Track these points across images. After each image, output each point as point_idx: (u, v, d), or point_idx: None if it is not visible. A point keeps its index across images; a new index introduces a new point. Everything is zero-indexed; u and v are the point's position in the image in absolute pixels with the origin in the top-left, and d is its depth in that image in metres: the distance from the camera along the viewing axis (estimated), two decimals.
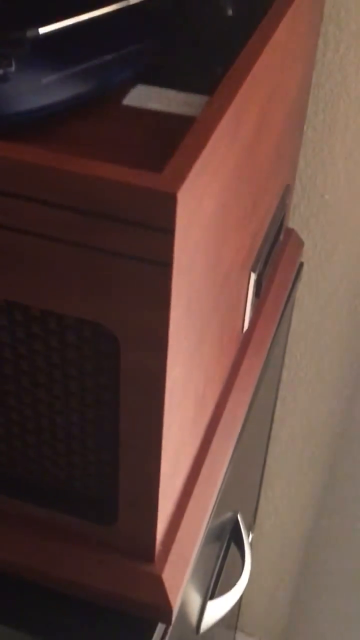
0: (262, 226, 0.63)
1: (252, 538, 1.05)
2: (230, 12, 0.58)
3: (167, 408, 0.44)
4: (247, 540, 0.79)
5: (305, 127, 0.83)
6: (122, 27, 0.53)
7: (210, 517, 0.58)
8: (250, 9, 0.55)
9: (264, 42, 0.49)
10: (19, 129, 0.44)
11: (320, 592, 1.32)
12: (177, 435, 0.49)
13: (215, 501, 0.60)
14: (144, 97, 0.49)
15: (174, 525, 0.53)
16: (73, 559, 0.52)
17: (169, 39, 0.54)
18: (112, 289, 0.40)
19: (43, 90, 0.48)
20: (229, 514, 0.75)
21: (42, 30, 0.49)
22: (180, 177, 0.36)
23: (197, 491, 0.56)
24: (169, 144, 0.44)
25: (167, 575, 0.51)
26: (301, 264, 0.88)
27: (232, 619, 1.18)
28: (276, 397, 1.04)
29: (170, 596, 0.51)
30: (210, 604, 0.70)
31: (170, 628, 0.53)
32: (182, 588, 0.53)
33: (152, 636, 0.52)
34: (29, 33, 0.49)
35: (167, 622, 0.52)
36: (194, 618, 0.67)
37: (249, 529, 0.97)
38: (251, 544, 0.85)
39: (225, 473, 0.62)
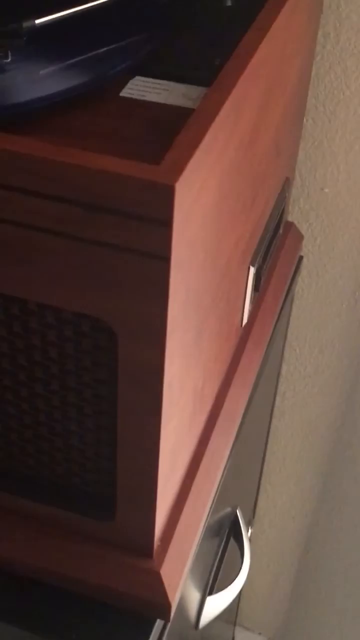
0: (261, 219, 0.63)
1: (251, 533, 1.05)
2: (229, 3, 0.57)
3: (166, 403, 0.44)
4: (246, 536, 0.79)
5: (304, 120, 0.82)
6: (119, 19, 0.53)
7: (209, 513, 0.58)
8: None
9: (262, 34, 0.49)
10: (16, 120, 0.44)
11: (319, 587, 1.32)
12: (176, 430, 0.49)
13: (214, 496, 0.59)
14: (142, 88, 0.48)
15: (172, 521, 0.53)
16: (71, 555, 0.52)
17: (167, 30, 0.53)
18: (110, 283, 0.39)
19: (40, 81, 0.47)
20: (228, 509, 0.75)
21: (39, 21, 0.49)
22: (178, 169, 0.36)
23: (195, 486, 0.56)
24: (167, 136, 0.43)
25: (166, 572, 0.51)
26: (300, 258, 0.87)
27: (231, 613, 1.18)
28: (275, 392, 1.04)
29: (169, 592, 0.51)
30: (210, 600, 0.70)
31: (169, 624, 0.53)
32: (180, 584, 0.52)
33: (150, 632, 0.52)
34: (25, 24, 0.48)
35: (166, 618, 0.52)
36: (193, 613, 0.67)
37: (248, 524, 0.97)
38: (250, 539, 0.85)
39: (224, 468, 0.62)
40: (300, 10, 0.60)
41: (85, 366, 0.45)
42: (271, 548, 1.31)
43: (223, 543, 0.76)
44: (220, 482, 0.61)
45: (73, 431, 0.49)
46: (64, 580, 0.52)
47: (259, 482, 1.14)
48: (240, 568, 0.76)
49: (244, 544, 0.78)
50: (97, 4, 0.51)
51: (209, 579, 0.72)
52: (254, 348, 0.69)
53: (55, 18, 0.50)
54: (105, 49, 0.50)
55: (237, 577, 0.75)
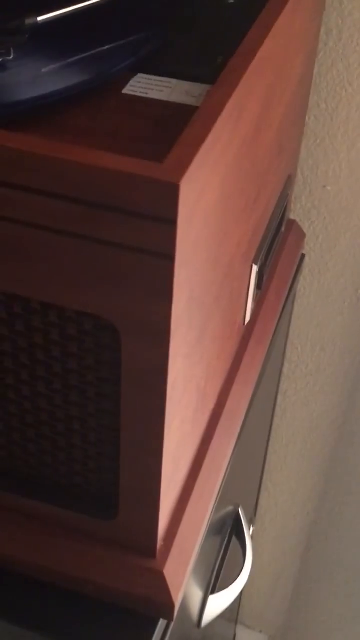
0: (264, 217, 0.63)
1: (252, 532, 1.05)
2: (231, 0, 0.57)
3: (169, 402, 0.44)
4: (248, 534, 0.78)
5: (307, 117, 0.82)
6: (122, 16, 0.53)
7: (212, 512, 0.58)
8: None
9: (266, 31, 0.49)
10: (18, 118, 0.44)
11: (320, 585, 1.32)
12: (179, 429, 0.49)
13: (217, 495, 0.59)
14: (145, 86, 0.48)
15: (175, 520, 0.53)
16: (74, 554, 0.52)
17: (169, 27, 0.53)
18: (114, 281, 0.39)
19: (42, 79, 0.47)
20: (230, 508, 0.75)
21: (41, 18, 0.49)
22: (182, 167, 0.36)
23: (198, 485, 0.56)
24: (170, 134, 0.43)
25: (169, 571, 0.51)
26: (303, 256, 0.87)
27: (232, 612, 1.18)
28: (277, 390, 1.04)
29: (172, 592, 0.51)
30: (212, 598, 0.70)
31: (172, 624, 0.53)
32: (184, 584, 0.52)
33: (153, 632, 0.52)
34: (28, 21, 0.48)
35: (169, 618, 0.52)
36: (195, 612, 0.67)
37: (250, 522, 0.97)
38: (252, 538, 0.84)
39: (227, 467, 0.61)
40: (303, 7, 0.60)
41: (88, 365, 0.45)
42: (272, 546, 1.31)
43: (225, 542, 0.76)
44: (223, 480, 0.60)
45: (76, 430, 0.49)
46: (66, 579, 0.52)
47: (260, 480, 1.14)
48: (243, 567, 0.76)
49: (246, 542, 0.78)
50: (99, 2, 0.51)
51: (211, 578, 0.72)
52: (256, 346, 0.69)
53: (58, 15, 0.49)
54: (107, 46, 0.50)
55: (239, 575, 0.75)
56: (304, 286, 0.96)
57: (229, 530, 0.77)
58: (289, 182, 0.74)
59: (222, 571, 0.74)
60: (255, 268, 0.61)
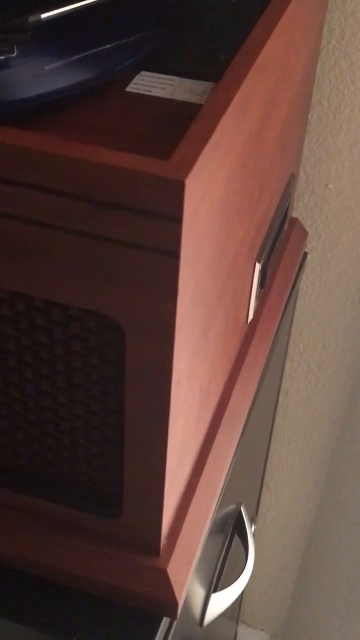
0: (267, 216, 0.63)
1: (254, 530, 1.05)
2: None
3: (173, 400, 0.44)
4: (250, 533, 0.78)
5: (309, 115, 0.82)
6: (125, 14, 0.52)
7: (215, 510, 0.58)
8: None
9: (269, 29, 0.48)
10: (21, 116, 0.44)
11: (321, 584, 1.32)
12: (183, 427, 0.49)
13: (220, 494, 0.59)
14: (148, 83, 0.48)
15: (179, 519, 0.53)
16: (77, 552, 0.52)
17: (172, 25, 0.53)
18: (118, 279, 0.39)
19: (45, 77, 0.47)
20: (232, 506, 0.74)
21: (45, 15, 0.49)
22: (188, 164, 0.35)
23: (202, 484, 0.56)
24: (174, 131, 0.43)
25: (173, 569, 0.51)
26: (305, 254, 0.87)
27: (233, 610, 1.18)
28: (279, 389, 1.04)
29: (176, 590, 0.51)
30: (214, 597, 0.70)
31: (175, 622, 0.53)
32: (187, 582, 0.52)
33: (157, 630, 0.52)
34: (31, 18, 0.48)
35: (173, 616, 0.52)
36: (197, 611, 0.67)
37: (251, 521, 0.97)
38: (253, 536, 0.84)
39: (230, 465, 0.61)
40: (305, 5, 0.59)
41: (92, 363, 0.45)
42: (274, 545, 1.31)
43: (227, 540, 0.75)
44: (226, 479, 0.60)
45: (79, 429, 0.48)
46: (70, 577, 0.52)
47: (262, 479, 1.14)
48: (245, 565, 0.76)
49: (248, 541, 0.78)
50: (102, 0, 0.51)
51: (213, 576, 0.71)
52: (259, 344, 0.69)
53: (61, 13, 0.49)
54: (110, 44, 0.50)
55: (241, 574, 0.75)
56: (306, 284, 0.96)
57: (231, 529, 0.77)
58: (292, 180, 0.74)
59: (224, 570, 0.73)
60: (258, 266, 0.61)
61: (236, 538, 0.78)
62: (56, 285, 0.41)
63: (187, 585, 0.53)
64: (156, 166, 0.35)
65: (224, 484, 0.60)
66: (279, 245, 0.71)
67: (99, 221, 0.37)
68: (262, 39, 0.47)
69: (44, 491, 0.52)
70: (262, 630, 1.47)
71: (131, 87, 0.48)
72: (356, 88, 0.80)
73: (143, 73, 0.49)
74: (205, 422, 0.58)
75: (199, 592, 0.65)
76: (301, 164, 0.86)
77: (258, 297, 0.66)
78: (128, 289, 0.39)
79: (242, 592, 0.80)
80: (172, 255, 0.37)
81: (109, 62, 0.48)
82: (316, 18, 0.67)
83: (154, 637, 0.51)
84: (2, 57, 0.47)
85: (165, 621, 0.52)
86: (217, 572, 0.72)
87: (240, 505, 0.78)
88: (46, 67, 0.48)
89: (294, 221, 0.84)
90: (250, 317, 0.66)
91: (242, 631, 1.45)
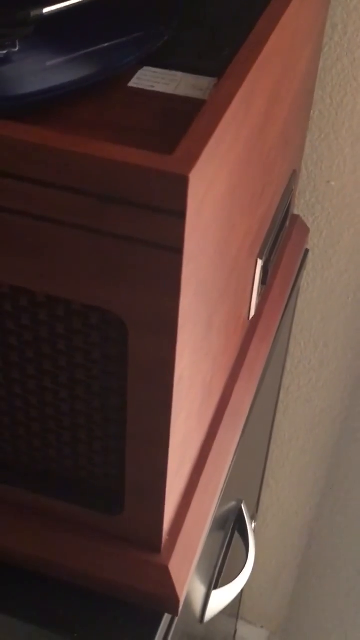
0: (269, 212, 0.62)
1: (254, 527, 1.05)
2: None
3: (176, 396, 0.43)
4: (251, 530, 0.78)
5: (311, 112, 0.82)
6: (127, 9, 0.52)
7: (216, 507, 0.58)
8: None
9: (273, 24, 0.48)
10: (24, 111, 0.44)
11: (321, 581, 1.32)
12: (185, 424, 0.49)
13: (222, 490, 0.59)
14: (151, 79, 0.48)
15: (180, 515, 0.53)
16: (79, 549, 0.52)
17: (176, 20, 0.53)
18: (122, 275, 0.39)
19: (47, 72, 0.47)
20: (232, 503, 0.74)
21: (47, 10, 0.48)
22: (192, 159, 0.35)
23: (203, 480, 0.56)
24: (177, 127, 0.43)
25: (174, 566, 0.51)
26: (306, 251, 0.87)
27: (233, 607, 1.18)
28: (280, 386, 1.04)
29: (177, 587, 0.51)
30: (215, 594, 0.70)
31: (177, 619, 0.53)
32: (188, 578, 0.52)
33: (158, 626, 0.52)
34: (33, 13, 0.48)
35: (174, 612, 0.52)
36: (198, 608, 0.67)
37: (252, 518, 0.97)
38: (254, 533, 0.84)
39: (231, 462, 0.61)
40: (309, 1, 0.59)
41: (94, 359, 0.45)
42: (274, 542, 1.31)
43: (228, 537, 0.75)
44: (227, 476, 0.60)
45: (81, 425, 0.48)
46: (71, 574, 0.52)
47: (262, 476, 1.14)
48: (245, 562, 0.76)
49: (248, 538, 0.78)
50: None
51: (214, 573, 0.71)
52: (261, 341, 0.69)
53: (63, 7, 0.49)
54: (114, 40, 0.50)
55: (242, 571, 0.75)
56: (308, 281, 0.96)
57: (231, 526, 0.77)
58: (294, 177, 0.74)
59: (225, 566, 0.73)
60: (260, 263, 0.61)
61: (237, 535, 0.78)
62: (59, 281, 0.41)
63: (189, 582, 0.52)
64: (160, 161, 0.35)
65: (225, 480, 0.60)
66: (281, 242, 0.71)
67: (103, 216, 0.37)
68: (265, 34, 0.47)
69: (46, 487, 0.52)
70: (262, 627, 1.47)
71: (134, 83, 0.47)
72: (358, 84, 0.80)
73: (146, 68, 0.49)
74: (207, 418, 0.58)
75: (199, 589, 0.65)
76: (303, 160, 0.86)
77: (260, 294, 0.66)
78: (131, 285, 0.39)
79: (242, 589, 0.80)
80: (176, 251, 0.37)
81: (112, 58, 0.48)
82: (319, 14, 0.67)
83: (155, 634, 0.51)
84: (4, 52, 0.47)
85: (166, 618, 0.52)
86: (217, 569, 0.72)
87: (241, 502, 0.78)
88: (48, 63, 0.47)
89: (296, 218, 0.83)
90: (252, 313, 0.66)
91: (242, 628, 1.45)
